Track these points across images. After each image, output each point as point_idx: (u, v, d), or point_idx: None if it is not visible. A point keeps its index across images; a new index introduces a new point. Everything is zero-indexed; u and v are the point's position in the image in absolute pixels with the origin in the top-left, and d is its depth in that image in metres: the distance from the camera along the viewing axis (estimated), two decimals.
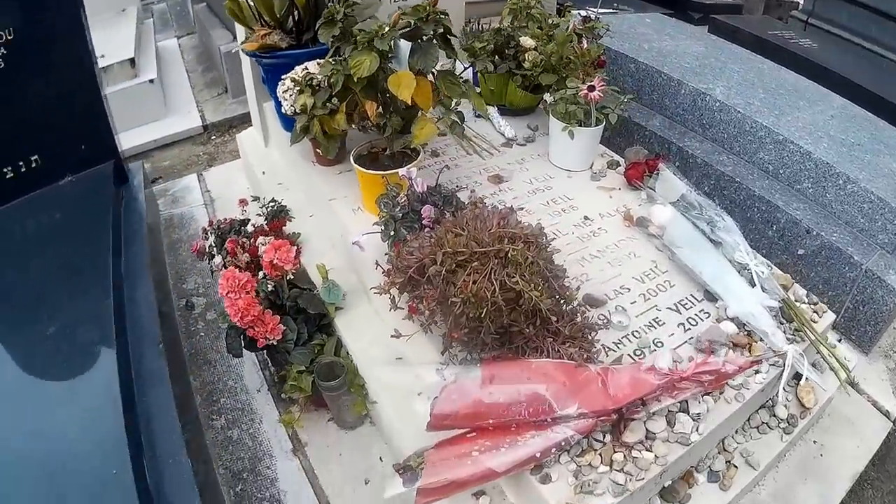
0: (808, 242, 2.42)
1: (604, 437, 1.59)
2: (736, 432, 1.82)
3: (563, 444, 1.53)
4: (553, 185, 2.45)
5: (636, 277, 2.04)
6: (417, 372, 1.80)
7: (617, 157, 2.53)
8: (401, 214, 1.96)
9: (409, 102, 1.98)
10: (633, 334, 1.86)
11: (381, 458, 2.14)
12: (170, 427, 1.88)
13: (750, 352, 1.77)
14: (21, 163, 2.59)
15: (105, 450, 1.71)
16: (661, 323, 1.89)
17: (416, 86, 1.98)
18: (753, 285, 1.89)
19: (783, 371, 1.72)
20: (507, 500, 1.70)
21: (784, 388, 1.80)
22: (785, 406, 1.85)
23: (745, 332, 1.82)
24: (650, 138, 2.75)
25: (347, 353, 2.12)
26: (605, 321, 1.87)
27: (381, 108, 2.14)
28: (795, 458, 1.97)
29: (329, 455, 2.19)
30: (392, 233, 1.97)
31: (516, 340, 1.67)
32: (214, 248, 2.50)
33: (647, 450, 1.57)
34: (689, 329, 1.87)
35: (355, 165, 2.23)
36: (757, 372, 1.73)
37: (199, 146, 4.18)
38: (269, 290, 2.24)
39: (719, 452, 1.77)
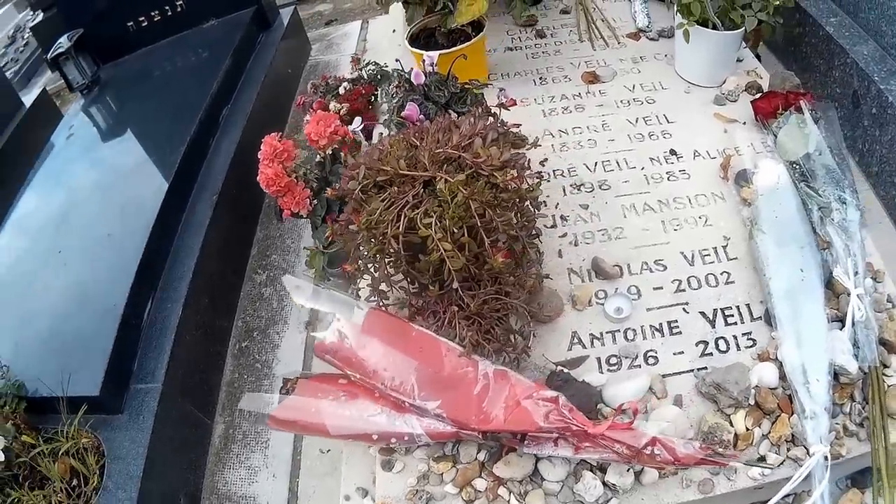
0: None
1: (478, 451, 1.07)
2: None
3: (406, 438, 1.06)
4: (657, 99, 1.64)
5: (686, 254, 1.29)
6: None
7: (764, 80, 1.56)
8: (395, 108, 1.50)
9: None
10: (625, 333, 1.19)
11: None
12: (183, 274, 1.85)
13: (773, 425, 0.99)
14: (167, 6, 2.58)
15: (116, 282, 1.72)
16: (676, 330, 1.18)
17: None
18: (841, 327, 1.03)
19: (791, 479, 0.91)
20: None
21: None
22: None
23: (786, 394, 1.02)
24: (850, 69, 1.59)
25: None
26: (603, 300, 1.24)
27: None
28: None
29: None
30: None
31: (423, 296, 1.18)
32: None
33: (519, 496, 1.00)
34: (710, 355, 1.12)
35: (405, 42, 1.77)
36: (760, 460, 0.97)
37: None
38: (317, 160, 2.03)
39: None
